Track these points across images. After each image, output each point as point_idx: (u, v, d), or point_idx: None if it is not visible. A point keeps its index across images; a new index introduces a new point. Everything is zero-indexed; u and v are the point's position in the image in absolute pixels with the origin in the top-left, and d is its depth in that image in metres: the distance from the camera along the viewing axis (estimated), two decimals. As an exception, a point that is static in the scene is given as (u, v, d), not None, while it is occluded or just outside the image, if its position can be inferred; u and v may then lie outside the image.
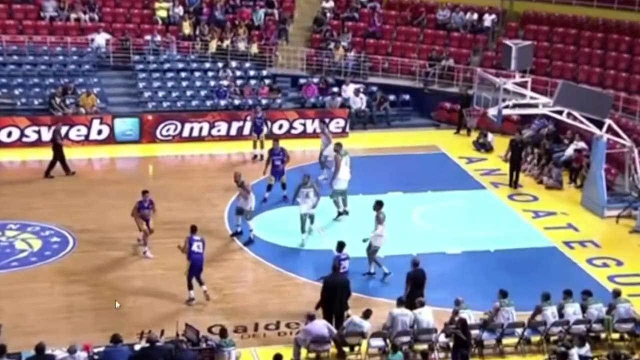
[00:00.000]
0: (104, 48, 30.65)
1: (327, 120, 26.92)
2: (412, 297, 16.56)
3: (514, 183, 24.45)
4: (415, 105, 30.77)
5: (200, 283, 17.82)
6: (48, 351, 14.47)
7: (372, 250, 18.90)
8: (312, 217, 20.63)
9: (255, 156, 26.11)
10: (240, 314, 17.44)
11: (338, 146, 22.37)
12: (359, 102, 29.80)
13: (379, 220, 18.83)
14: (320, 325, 15.72)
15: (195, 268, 17.69)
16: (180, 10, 32.32)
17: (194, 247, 17.65)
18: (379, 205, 19.14)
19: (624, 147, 23.15)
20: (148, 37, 31.07)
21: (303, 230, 20.41)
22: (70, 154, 25.30)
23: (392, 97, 30.39)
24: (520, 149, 24.73)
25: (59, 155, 24.44)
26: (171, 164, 26.18)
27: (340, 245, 17.59)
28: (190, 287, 17.73)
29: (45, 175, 24.35)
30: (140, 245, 20.07)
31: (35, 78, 29.12)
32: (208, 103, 29.31)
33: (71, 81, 28.88)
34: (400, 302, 16.19)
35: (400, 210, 22.29)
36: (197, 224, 21.08)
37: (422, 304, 16.27)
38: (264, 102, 29.51)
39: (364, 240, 18.84)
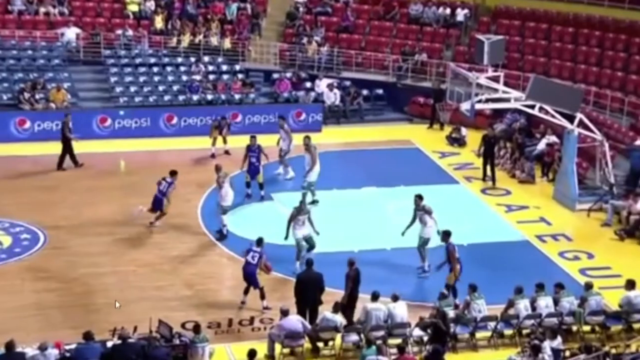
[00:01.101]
0: (74, 42, 30.34)
1: (284, 115, 26.45)
2: (353, 297, 16.51)
3: (490, 179, 24.43)
4: (389, 99, 30.76)
5: (262, 297, 17.36)
6: (18, 349, 14.31)
7: (422, 242, 18.92)
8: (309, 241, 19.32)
9: (213, 155, 25.89)
10: (214, 310, 17.37)
11: (308, 139, 22.27)
12: (333, 97, 29.77)
13: (428, 211, 18.95)
14: (294, 321, 15.71)
15: (244, 276, 17.40)
16: (152, 4, 32.07)
17: (248, 257, 17.34)
18: (419, 198, 19.19)
19: (595, 141, 23.30)
20: (119, 32, 30.79)
21: (299, 258, 18.99)
22: (41, 149, 25.03)
23: (365, 92, 30.38)
24: (493, 144, 24.80)
25: (68, 148, 24.40)
26: (143, 159, 25.96)
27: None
28: (245, 292, 17.48)
29: (57, 168, 24.41)
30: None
31: (3, 73, 28.76)
32: (180, 98, 29.14)
33: (41, 76, 28.58)
34: (375, 297, 16.16)
35: (375, 205, 22.36)
36: (169, 220, 21.14)
37: (396, 298, 16.27)
38: (236, 96, 29.40)
39: (403, 234, 19.10)
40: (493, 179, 24.41)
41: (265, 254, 17.53)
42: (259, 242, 17.56)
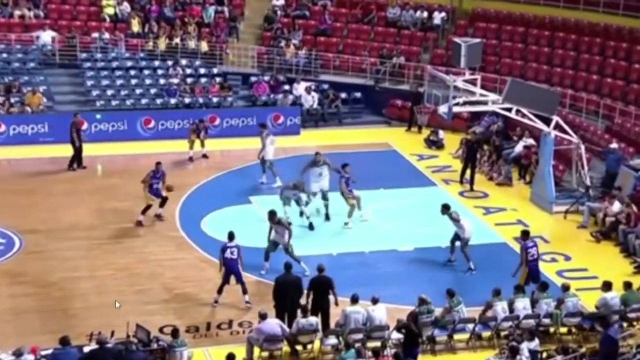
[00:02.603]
0: (50, 45, 30.11)
1: (267, 123, 26.49)
2: (316, 304, 16.34)
3: (469, 184, 24.47)
4: (367, 102, 30.80)
5: (244, 292, 17.54)
6: (-6, 354, 14.19)
7: (463, 244, 19.30)
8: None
9: (191, 158, 25.84)
10: (192, 314, 17.29)
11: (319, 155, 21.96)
12: (311, 100, 29.75)
13: (456, 219, 19.35)
14: (273, 324, 15.65)
15: (226, 274, 17.50)
16: (128, 7, 31.91)
17: (227, 254, 17.43)
18: (445, 208, 19.58)
19: (571, 143, 23.42)
20: (95, 35, 30.61)
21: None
22: (16, 153, 24.81)
23: (343, 95, 30.40)
24: (476, 149, 24.85)
25: (76, 148, 24.48)
26: (120, 163, 25.80)
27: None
28: (219, 291, 17.57)
29: (78, 167, 24.75)
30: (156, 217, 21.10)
31: (-23, 76, 28.57)
32: (158, 101, 29.02)
33: (16, 79, 28.35)
34: (354, 300, 16.12)
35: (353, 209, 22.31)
36: (148, 224, 21.02)
37: (375, 301, 16.25)
38: (214, 100, 29.31)
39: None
40: (471, 183, 24.49)
41: (241, 248, 17.64)
42: (231, 236, 17.67)
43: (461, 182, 24.70)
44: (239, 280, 17.56)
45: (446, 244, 20.05)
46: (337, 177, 21.56)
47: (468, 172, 24.56)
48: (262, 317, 15.66)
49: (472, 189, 24.40)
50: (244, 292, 17.53)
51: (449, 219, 19.55)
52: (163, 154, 26.09)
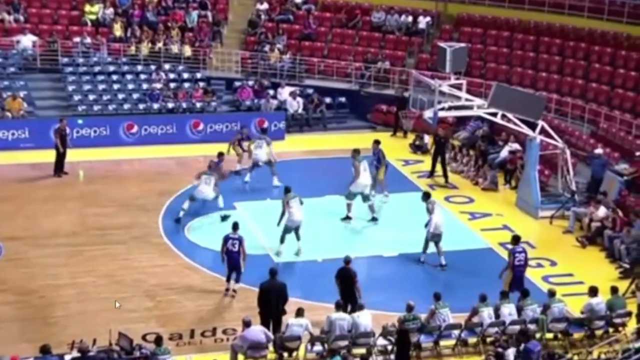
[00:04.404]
0: (31, 50, 29.82)
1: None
2: (346, 295, 16.66)
3: (444, 179, 24.87)
4: (352, 107, 30.71)
5: (236, 281, 18.01)
6: (-27, 364, 13.96)
7: (429, 235, 19.63)
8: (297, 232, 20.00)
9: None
10: (175, 321, 17.13)
11: (356, 153, 22.32)
12: (295, 105, 29.62)
13: (429, 210, 19.74)
14: (257, 331, 15.51)
15: (228, 265, 17.96)
16: (110, 11, 31.67)
17: (229, 245, 17.81)
18: (425, 196, 20.19)
19: (557, 148, 23.41)
20: (77, 39, 30.34)
21: (282, 241, 19.90)
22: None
23: (328, 100, 30.29)
24: (443, 143, 25.14)
25: (59, 154, 24.29)
26: (102, 169, 25.57)
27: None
28: (227, 279, 18.10)
29: (60, 173, 24.45)
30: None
31: (-44, 81, 28.28)
32: (141, 106, 28.79)
33: (-4, 84, 28.13)
34: (339, 306, 16.04)
35: (338, 214, 22.21)
36: (130, 230, 20.78)
37: (361, 308, 16.17)
38: (198, 105, 29.13)
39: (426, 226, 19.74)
40: (445, 176, 24.88)
41: (244, 239, 17.91)
42: (235, 227, 18.03)
43: (430, 175, 25.16)
44: (237, 271, 17.86)
45: (431, 250, 19.97)
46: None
47: (439, 166, 24.97)
48: (246, 324, 15.50)
49: (447, 182, 24.81)
50: (236, 281, 17.88)
51: (425, 208, 19.87)
52: (146, 159, 26.01)
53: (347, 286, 16.84)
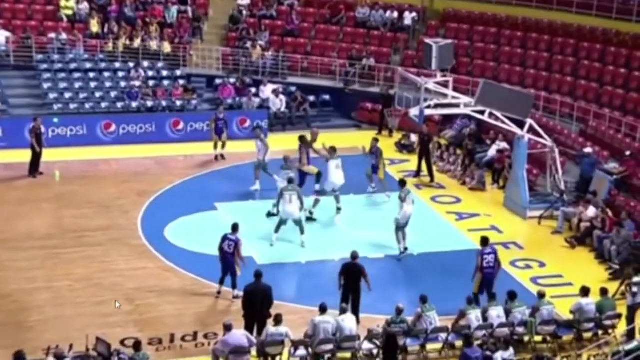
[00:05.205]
0: (4, 46, 29.31)
1: (262, 124, 26.63)
2: (347, 291, 16.63)
3: (428, 176, 24.67)
4: (336, 105, 30.42)
5: (233, 286, 17.64)
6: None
7: (396, 225, 19.61)
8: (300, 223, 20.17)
9: (217, 157, 25.80)
10: (154, 325, 16.81)
11: (333, 151, 22.26)
12: (278, 103, 29.28)
13: (402, 199, 19.62)
14: (239, 336, 15.15)
15: (222, 267, 17.70)
16: (87, 6, 31.09)
17: (225, 246, 17.55)
18: (400, 184, 20.27)
19: (545, 147, 23.14)
20: (52, 35, 29.85)
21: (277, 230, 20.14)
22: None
23: (312, 98, 29.98)
24: (427, 142, 24.91)
25: (35, 153, 23.87)
26: (79, 169, 25.01)
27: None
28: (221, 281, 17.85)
29: (35, 173, 24.01)
30: None
31: None
32: (119, 105, 28.33)
33: (-32, 82, 27.61)
34: (323, 310, 15.67)
35: (323, 214, 21.90)
36: (108, 232, 20.31)
37: (344, 311, 15.94)
38: (178, 103, 28.62)
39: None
40: (430, 174, 24.69)
41: (241, 242, 17.59)
42: (234, 228, 17.70)
43: (417, 175, 24.81)
44: (231, 274, 17.53)
45: (418, 252, 19.80)
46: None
47: (424, 165, 24.74)
48: (227, 328, 15.15)
49: (432, 181, 24.61)
50: (233, 286, 17.52)
51: (398, 196, 19.87)
52: (124, 159, 25.58)
53: (351, 282, 16.70)
